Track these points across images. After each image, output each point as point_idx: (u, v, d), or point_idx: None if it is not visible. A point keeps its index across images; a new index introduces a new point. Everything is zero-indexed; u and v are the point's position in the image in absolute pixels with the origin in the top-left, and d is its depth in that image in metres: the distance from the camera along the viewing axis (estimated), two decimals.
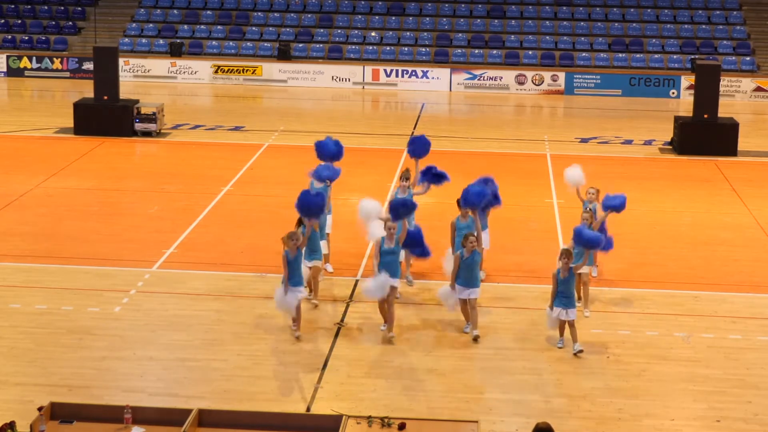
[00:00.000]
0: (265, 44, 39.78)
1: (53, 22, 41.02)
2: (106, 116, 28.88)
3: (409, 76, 37.88)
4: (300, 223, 16.36)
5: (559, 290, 15.16)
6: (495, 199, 17.39)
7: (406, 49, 39.46)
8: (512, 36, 40.06)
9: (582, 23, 40.50)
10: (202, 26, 40.84)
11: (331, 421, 11.07)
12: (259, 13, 41.47)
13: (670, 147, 28.97)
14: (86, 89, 32.45)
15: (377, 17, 41.15)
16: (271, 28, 40.71)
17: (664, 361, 15.10)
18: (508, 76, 37.77)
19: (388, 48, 39.57)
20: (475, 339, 15.52)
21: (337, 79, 38.02)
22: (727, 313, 17.01)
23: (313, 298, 16.87)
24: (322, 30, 40.51)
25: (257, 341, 15.44)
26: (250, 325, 16.03)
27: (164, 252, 19.30)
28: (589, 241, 15.47)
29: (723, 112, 29.17)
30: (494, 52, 39.12)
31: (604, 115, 34.24)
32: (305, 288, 15.90)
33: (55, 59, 38.65)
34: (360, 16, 41.15)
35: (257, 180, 24.60)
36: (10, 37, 40.25)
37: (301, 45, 39.69)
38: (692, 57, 37.97)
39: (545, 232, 21.00)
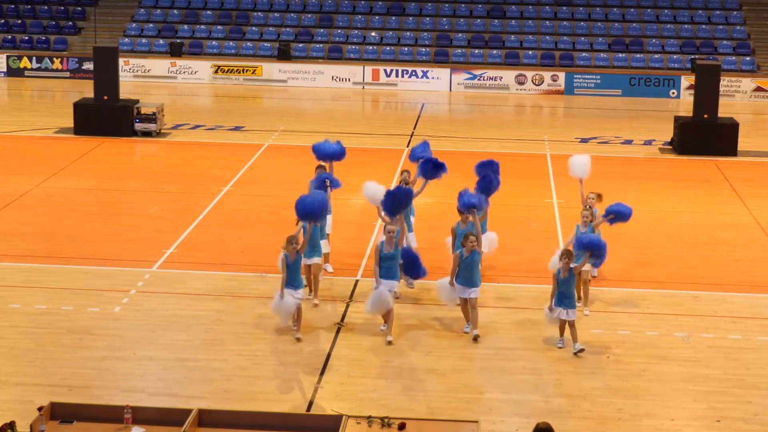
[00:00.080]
0: (265, 44, 39.78)
1: (53, 22, 41.02)
2: (106, 116, 28.88)
3: (409, 76, 37.88)
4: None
5: (560, 290, 15.16)
6: (496, 179, 17.48)
7: (406, 49, 39.46)
8: (512, 36, 40.06)
9: (582, 23, 40.50)
10: (202, 26, 40.85)
11: (331, 421, 11.07)
12: (259, 13, 41.47)
13: (670, 147, 28.98)
14: (86, 89, 32.45)
15: (377, 17, 41.16)
16: (271, 28, 40.72)
17: (664, 361, 15.10)
18: (508, 76, 37.77)
19: (388, 48, 39.58)
20: (475, 339, 15.52)
21: (337, 79, 38.02)
22: (727, 313, 17.01)
23: (313, 297, 16.88)
24: (322, 30, 40.52)
25: (257, 341, 15.45)
26: (250, 325, 16.03)
27: (164, 252, 19.30)
28: (591, 244, 15.44)
29: (723, 112, 29.17)
30: (494, 52, 39.12)
31: (604, 115, 34.24)
32: (305, 288, 15.91)
33: (55, 59, 38.65)
34: (360, 16, 41.16)
35: (257, 180, 24.60)
36: (10, 37, 40.26)
37: (301, 45, 39.69)
38: (692, 57, 37.98)
39: (545, 232, 21.00)
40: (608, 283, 18.07)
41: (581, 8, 41.26)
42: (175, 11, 41.61)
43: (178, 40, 39.54)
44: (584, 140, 29.95)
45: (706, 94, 28.35)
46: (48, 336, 15.46)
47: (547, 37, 39.95)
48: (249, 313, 16.46)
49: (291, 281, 15.31)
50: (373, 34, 40.29)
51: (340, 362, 14.81)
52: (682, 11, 40.86)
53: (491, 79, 37.76)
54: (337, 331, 15.86)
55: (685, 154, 28.11)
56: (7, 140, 28.43)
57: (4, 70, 38.66)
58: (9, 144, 27.97)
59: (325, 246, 17.42)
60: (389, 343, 15.38)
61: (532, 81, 37.65)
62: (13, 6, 41.55)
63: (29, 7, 41.68)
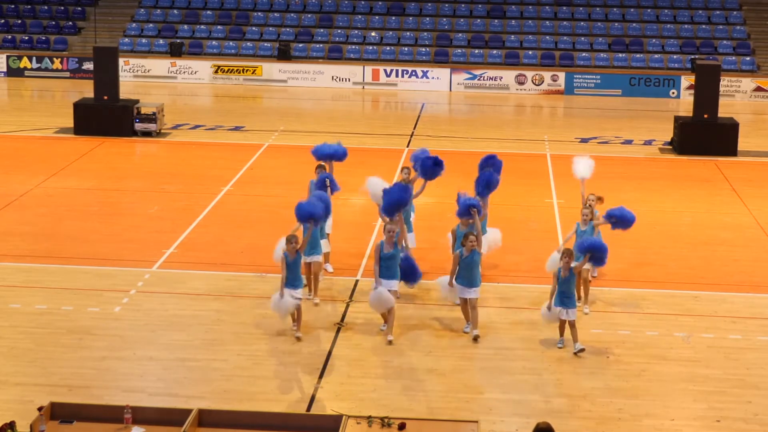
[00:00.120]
0: (265, 44, 39.78)
1: (53, 22, 41.02)
2: (106, 116, 28.88)
3: (409, 76, 37.88)
4: None
5: (560, 290, 15.16)
6: (495, 176, 17.54)
7: (406, 49, 39.46)
8: (512, 36, 40.06)
9: (582, 23, 40.50)
10: (202, 26, 40.84)
11: (331, 421, 11.07)
12: (259, 13, 41.47)
13: (670, 147, 28.98)
14: (86, 89, 32.45)
15: (377, 17, 41.16)
16: (271, 28, 40.72)
17: (664, 361, 15.10)
18: (508, 76, 37.77)
19: (388, 48, 39.58)
20: (475, 339, 15.52)
21: (337, 79, 38.02)
22: (727, 313, 17.01)
23: (313, 296, 16.90)
24: (322, 30, 40.52)
25: (257, 341, 15.44)
26: (250, 325, 16.03)
27: (164, 252, 19.30)
28: (592, 247, 15.42)
29: (723, 112, 29.17)
30: (494, 52, 39.12)
31: (604, 115, 34.24)
32: (305, 287, 15.91)
33: (55, 59, 38.65)
34: (360, 16, 41.15)
35: (257, 180, 24.60)
36: (10, 37, 40.26)
37: (301, 45, 39.69)
38: (692, 57, 37.98)
39: (545, 232, 21.00)
40: (608, 283, 18.07)
41: (581, 8, 41.26)
42: (175, 11, 41.61)
43: (178, 40, 39.54)
44: (584, 140, 29.95)
45: (706, 94, 28.35)
46: (48, 336, 15.46)
47: (547, 37, 39.95)
48: (249, 313, 16.46)
49: (290, 281, 15.31)
50: (373, 34, 40.29)
51: (340, 362, 14.81)
52: (682, 11, 40.86)
53: (491, 79, 37.76)
54: (337, 331, 15.86)
55: (685, 154, 28.11)
56: (7, 140, 28.43)
57: (4, 70, 38.66)
58: (9, 144, 27.97)
59: (325, 245, 17.43)
60: (389, 342, 15.38)
61: (532, 81, 37.66)
62: (13, 6, 41.55)
63: (29, 7, 41.68)
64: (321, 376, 14.34)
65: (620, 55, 38.90)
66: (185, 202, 22.64)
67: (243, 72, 38.20)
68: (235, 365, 14.64)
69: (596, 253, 15.54)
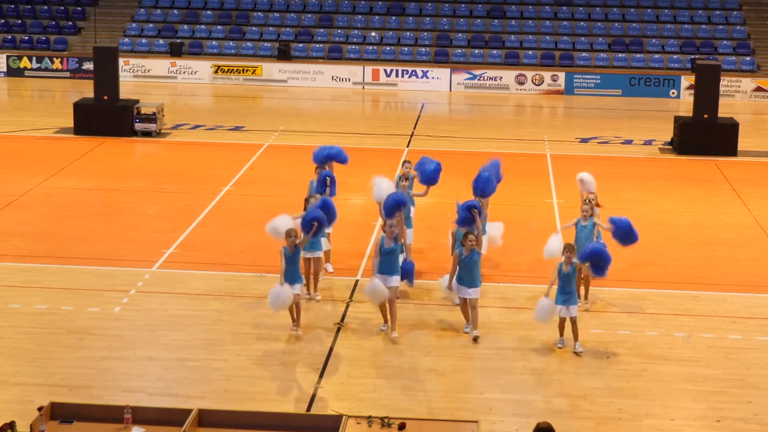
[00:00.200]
0: (265, 44, 39.78)
1: (53, 22, 41.02)
2: (106, 116, 28.88)
3: (409, 76, 37.88)
4: (305, 207, 16.56)
5: (560, 286, 15.13)
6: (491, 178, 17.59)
7: (406, 49, 39.47)
8: (512, 36, 40.06)
9: (582, 23, 40.50)
10: (202, 26, 40.85)
11: (331, 421, 11.07)
12: (259, 13, 41.47)
13: (670, 147, 28.98)
14: (86, 89, 32.45)
15: (377, 17, 41.16)
16: (271, 28, 40.72)
17: (664, 361, 15.10)
18: (508, 76, 37.77)
19: (388, 48, 39.58)
20: (475, 339, 15.52)
21: (337, 79, 38.02)
22: (727, 313, 17.01)
23: (314, 293, 16.93)
24: (322, 30, 40.52)
25: (257, 341, 15.44)
26: (250, 325, 16.03)
27: (164, 252, 19.30)
28: (593, 255, 15.35)
29: (723, 112, 29.17)
30: (494, 52, 39.12)
31: (604, 115, 34.24)
32: (303, 286, 15.85)
33: (55, 59, 38.66)
34: (360, 16, 41.16)
35: (257, 180, 24.60)
36: (10, 37, 40.26)
37: (301, 45, 39.69)
38: (692, 57, 37.98)
39: (545, 232, 20.89)
40: (608, 283, 18.04)
41: (581, 8, 41.26)
42: (175, 11, 41.61)
43: (178, 40, 39.54)
44: (584, 140, 29.95)
45: (706, 94, 28.35)
46: (48, 336, 15.46)
47: (547, 37, 39.95)
48: (249, 313, 16.46)
49: (289, 276, 15.30)
50: (373, 34, 40.29)
51: (340, 362, 14.81)
52: (682, 11, 40.86)
53: (491, 79, 37.76)
54: (337, 331, 15.86)
55: (685, 154, 28.11)
56: (7, 140, 28.43)
57: (4, 70, 38.66)
58: (9, 144, 27.98)
59: (324, 244, 17.42)
60: (394, 339, 15.40)
61: (532, 81, 37.66)
62: (13, 6, 41.56)
63: (29, 7, 41.68)
64: (321, 376, 14.34)
65: (620, 55, 38.90)
66: (185, 202, 22.64)
67: (243, 72, 38.20)
68: (235, 365, 14.64)
69: (597, 263, 15.43)
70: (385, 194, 16.63)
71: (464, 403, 13.67)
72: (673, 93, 37.21)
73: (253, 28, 40.70)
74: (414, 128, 31.17)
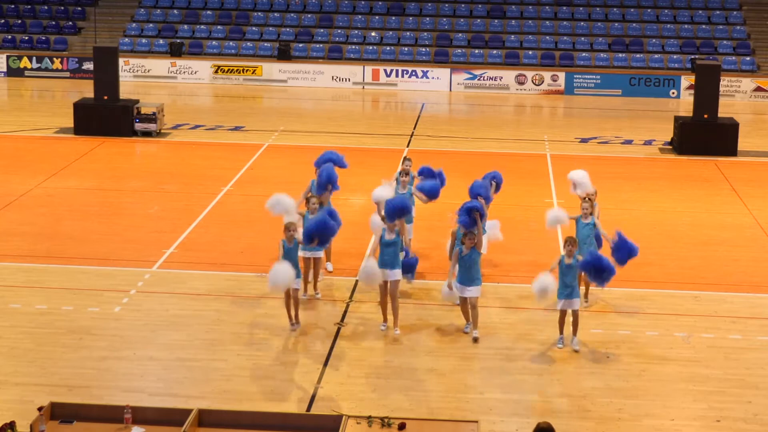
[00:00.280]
0: (265, 44, 39.78)
1: (53, 22, 41.02)
2: (106, 116, 28.88)
3: (409, 76, 37.89)
4: (306, 204, 16.71)
5: (562, 279, 15.11)
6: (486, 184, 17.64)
7: (406, 49, 39.47)
8: (512, 36, 40.06)
9: (582, 23, 40.50)
10: (202, 26, 40.85)
11: (331, 421, 11.07)
12: (259, 13, 41.48)
13: (670, 147, 28.98)
14: (86, 89, 32.46)
15: (377, 17, 41.16)
16: (271, 28, 40.72)
17: (664, 361, 15.10)
18: (508, 76, 37.77)
19: (388, 48, 39.58)
20: (475, 340, 15.51)
21: (337, 79, 38.02)
22: (727, 313, 17.01)
23: (315, 291, 16.94)
24: (322, 30, 40.52)
25: (257, 341, 15.44)
26: (250, 325, 16.04)
27: (164, 252, 19.30)
28: (593, 266, 15.26)
29: (723, 112, 29.18)
30: (494, 52, 39.12)
31: (604, 115, 34.24)
32: (300, 281, 15.79)
33: (55, 59, 38.66)
34: (360, 16, 41.16)
35: (257, 180, 24.59)
36: (10, 37, 40.26)
37: (301, 45, 39.69)
38: (692, 57, 37.98)
39: (545, 232, 20.95)
40: (608, 283, 18.02)
41: (581, 8, 41.26)
42: (175, 11, 41.61)
43: (178, 40, 39.54)
44: (584, 140, 29.95)
45: (706, 94, 28.35)
46: (48, 336, 15.46)
47: (547, 37, 39.95)
48: (249, 313, 16.46)
49: None
50: (373, 34, 40.29)
51: (340, 362, 14.81)
52: (682, 11, 40.87)
53: (491, 79, 37.76)
54: (337, 331, 15.86)
55: (685, 154, 28.11)
56: (7, 140, 28.43)
57: (4, 70, 38.67)
58: (9, 144, 27.98)
59: None
60: (396, 336, 15.42)
61: (532, 81, 37.66)
62: (13, 6, 41.56)
63: (29, 7, 41.69)
64: (321, 376, 14.34)
65: (620, 55, 38.90)
66: (185, 202, 22.64)
67: (243, 72, 38.20)
68: (235, 365, 14.64)
69: (597, 273, 15.27)
70: (384, 194, 16.61)
71: (464, 403, 13.67)
72: (673, 93, 37.21)
73: (253, 28, 40.71)
74: (414, 128, 31.16)
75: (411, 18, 41.07)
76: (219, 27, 40.74)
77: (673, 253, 19.99)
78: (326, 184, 17.41)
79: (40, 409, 10.93)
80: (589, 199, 17.06)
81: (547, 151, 28.23)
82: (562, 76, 37.58)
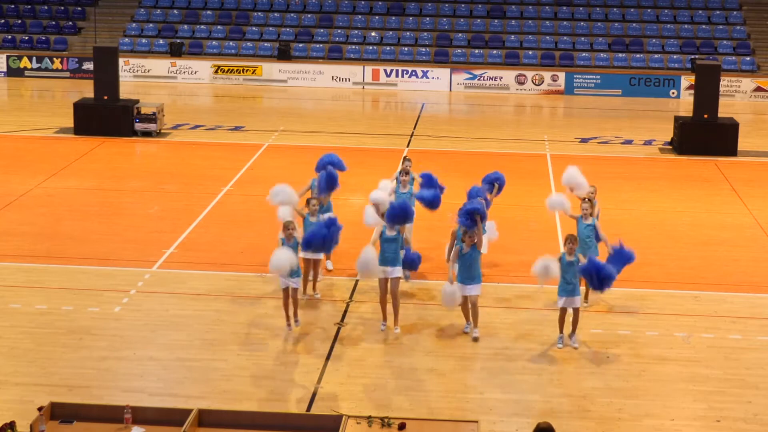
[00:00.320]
0: (265, 44, 39.78)
1: (53, 22, 41.02)
2: (106, 116, 28.88)
3: (409, 76, 37.88)
4: (306, 205, 16.70)
5: (562, 277, 15.11)
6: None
7: (406, 49, 39.46)
8: (512, 36, 40.06)
9: (582, 23, 40.50)
10: (202, 26, 40.85)
11: (331, 421, 11.07)
12: (259, 13, 41.47)
13: (670, 147, 28.98)
14: (86, 89, 32.46)
15: (377, 17, 41.15)
16: (271, 28, 40.72)
17: (664, 361, 15.10)
18: (508, 76, 37.77)
19: (388, 48, 39.58)
20: (475, 339, 15.52)
21: (337, 79, 38.02)
22: (727, 313, 17.01)
23: (314, 292, 16.92)
24: (322, 30, 40.52)
25: (257, 341, 15.45)
26: (250, 325, 16.04)
27: (164, 252, 19.30)
28: (588, 271, 15.21)
29: (723, 112, 29.17)
30: (494, 52, 39.12)
31: (604, 115, 34.24)
32: (300, 280, 15.79)
33: (55, 59, 38.65)
34: (360, 16, 41.16)
35: (257, 180, 24.58)
36: (10, 37, 40.26)
37: (301, 45, 39.69)
38: (692, 57, 37.98)
39: (545, 232, 20.98)
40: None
41: (581, 8, 41.26)
42: (175, 11, 41.61)
43: (178, 40, 39.54)
44: (584, 140, 29.95)
45: (706, 94, 28.35)
46: (48, 336, 15.47)
47: (547, 37, 39.95)
48: (249, 313, 16.46)
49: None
50: (373, 34, 40.29)
51: (340, 362, 14.81)
52: (682, 11, 40.86)
53: (491, 79, 37.76)
54: (337, 331, 15.86)
55: (685, 154, 28.11)
56: (7, 140, 28.43)
57: (4, 70, 38.66)
58: (9, 144, 27.98)
59: None
60: (396, 335, 15.42)
61: (532, 81, 37.65)
62: (13, 6, 41.56)
63: (29, 7, 41.68)
64: (321, 376, 14.34)
65: (620, 55, 38.90)
66: (185, 202, 22.64)
67: (243, 72, 38.20)
68: (235, 365, 14.64)
69: (597, 280, 15.13)
70: (382, 195, 16.55)
71: (464, 403, 13.67)
72: (673, 93, 37.21)
73: (253, 28, 40.70)
74: (414, 128, 31.16)
75: (411, 18, 41.07)
76: (219, 27, 40.74)
77: (673, 253, 19.99)
78: (327, 190, 17.39)
79: (40, 409, 10.93)
80: (588, 199, 17.05)
81: (547, 151, 28.23)
82: (562, 76, 37.58)
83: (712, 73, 28.60)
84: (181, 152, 27.61)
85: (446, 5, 41.44)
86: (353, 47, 39.69)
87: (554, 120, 34.72)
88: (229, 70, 38.26)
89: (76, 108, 29.28)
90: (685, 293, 17.87)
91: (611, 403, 13.74)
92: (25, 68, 38.60)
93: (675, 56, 38.81)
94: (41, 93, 36.69)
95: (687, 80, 36.73)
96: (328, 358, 14.95)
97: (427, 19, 41.01)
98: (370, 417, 11.13)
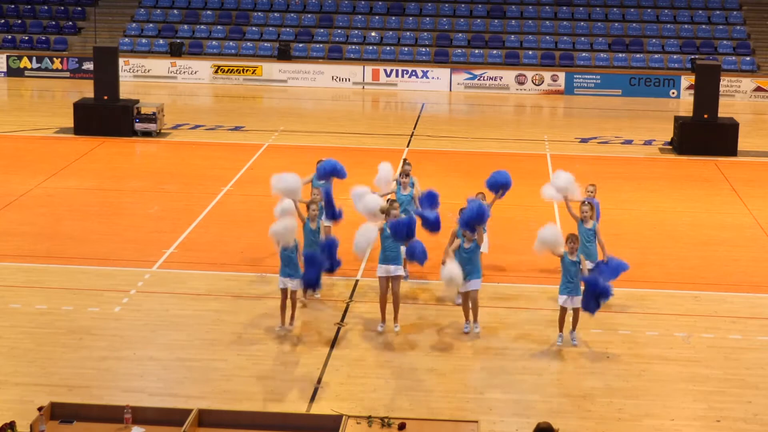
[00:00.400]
0: (265, 44, 39.78)
1: (53, 22, 41.02)
2: (106, 116, 28.88)
3: (409, 76, 37.88)
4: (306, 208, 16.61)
5: (564, 276, 15.10)
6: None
7: (406, 49, 39.47)
8: (512, 36, 40.06)
9: (582, 23, 40.50)
10: (202, 26, 40.85)
11: (331, 421, 11.07)
12: (259, 13, 41.47)
13: (670, 147, 28.98)
14: (86, 89, 32.46)
15: (377, 17, 41.15)
16: (271, 28, 40.72)
17: (664, 361, 15.09)
18: (508, 76, 37.77)
19: (388, 48, 39.58)
20: (476, 335, 15.52)
21: (337, 79, 38.02)
22: (727, 313, 17.01)
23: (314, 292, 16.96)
24: (322, 30, 40.52)
25: (257, 341, 15.45)
26: (250, 325, 16.04)
27: (164, 252, 19.30)
28: (592, 285, 15.19)
29: (723, 112, 29.17)
30: (494, 52, 39.12)
31: (604, 115, 34.24)
32: (300, 281, 15.78)
33: (55, 59, 38.66)
34: (360, 16, 41.16)
35: (257, 180, 24.57)
36: (10, 37, 40.26)
37: (301, 45, 39.69)
38: (692, 57, 37.98)
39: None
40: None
41: (581, 8, 41.26)
42: (175, 11, 41.61)
43: (178, 40, 39.54)
44: (584, 140, 29.95)
45: (706, 94, 28.36)
46: (48, 336, 15.46)
47: (547, 37, 39.95)
48: (249, 313, 16.46)
49: (287, 269, 15.32)
50: (373, 34, 40.29)
51: (340, 362, 14.81)
52: (682, 11, 40.87)
53: (491, 79, 37.76)
54: (337, 331, 15.86)
55: (685, 154, 28.11)
56: (7, 140, 28.43)
57: (4, 70, 38.66)
58: (9, 144, 27.98)
59: None
60: (396, 334, 15.44)
61: (532, 81, 37.66)
62: (13, 6, 41.56)
63: (29, 7, 41.68)
64: (321, 377, 14.34)
65: (620, 55, 38.90)
66: (185, 202, 22.64)
67: (243, 72, 38.20)
68: (235, 365, 14.64)
69: (593, 297, 15.10)
70: (371, 204, 16.45)
71: (464, 403, 13.67)
72: (673, 93, 37.21)
73: (253, 28, 40.70)
74: (414, 128, 31.16)
75: (411, 18, 41.07)
76: (219, 27, 40.74)
77: (673, 253, 19.99)
78: (326, 177, 17.43)
79: (40, 409, 10.93)
80: (588, 202, 17.00)
81: (547, 151, 28.23)
82: (562, 76, 37.58)
83: (712, 73, 28.60)
84: (181, 152, 27.61)
85: (446, 5, 41.44)
86: (353, 47, 39.69)
87: (554, 120, 34.73)
88: (229, 70, 38.26)
89: (76, 108, 29.28)
90: (685, 293, 17.87)
91: (611, 403, 13.74)
92: (25, 68, 38.60)
93: (675, 56, 38.82)
94: (41, 93, 36.69)
95: (687, 80, 36.73)
96: (328, 358, 14.95)
97: (427, 19, 41.01)
98: (370, 417, 11.13)
